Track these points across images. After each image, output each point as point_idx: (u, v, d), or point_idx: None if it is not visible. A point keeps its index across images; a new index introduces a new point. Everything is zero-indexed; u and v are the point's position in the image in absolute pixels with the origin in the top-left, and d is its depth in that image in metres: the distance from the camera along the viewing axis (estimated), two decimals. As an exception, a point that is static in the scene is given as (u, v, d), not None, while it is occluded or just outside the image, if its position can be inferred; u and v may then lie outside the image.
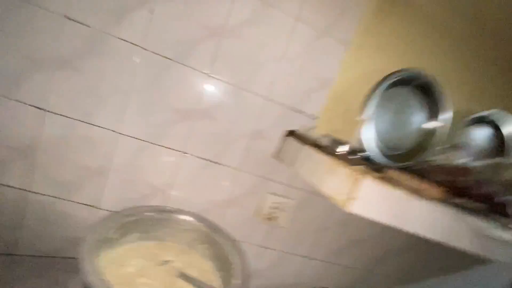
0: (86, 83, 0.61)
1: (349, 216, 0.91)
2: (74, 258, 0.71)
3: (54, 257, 0.66)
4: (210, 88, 0.67)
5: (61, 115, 0.61)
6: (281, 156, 0.73)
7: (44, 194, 0.66)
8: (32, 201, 0.66)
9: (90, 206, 0.69)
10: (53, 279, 0.56)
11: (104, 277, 0.50)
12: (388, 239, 0.94)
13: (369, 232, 0.91)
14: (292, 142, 0.70)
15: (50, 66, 0.58)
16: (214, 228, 0.69)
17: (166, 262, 0.62)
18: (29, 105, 0.60)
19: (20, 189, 0.64)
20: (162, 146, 0.68)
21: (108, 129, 0.64)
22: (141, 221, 0.62)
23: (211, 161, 0.72)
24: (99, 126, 0.64)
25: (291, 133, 0.73)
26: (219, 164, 0.73)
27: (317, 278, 0.90)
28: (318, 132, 0.74)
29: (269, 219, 0.79)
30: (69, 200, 0.67)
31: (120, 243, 0.60)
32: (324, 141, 0.63)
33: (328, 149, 0.57)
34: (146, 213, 0.63)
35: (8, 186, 0.64)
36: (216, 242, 0.67)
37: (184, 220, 0.69)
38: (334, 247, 0.90)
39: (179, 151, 0.70)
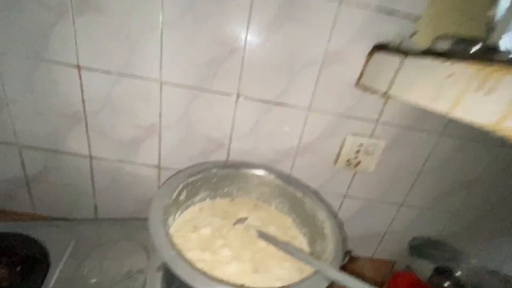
0: (113, 26, 0.49)
1: (455, 154, 0.71)
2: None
3: (136, 218, 0.66)
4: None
5: (97, 70, 0.53)
6: (367, 82, 0.54)
7: (105, 159, 0.63)
8: (97, 166, 0.64)
9: (152, 166, 0.64)
10: (139, 240, 0.55)
11: (179, 243, 0.45)
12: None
13: (484, 171, 0.70)
14: (384, 59, 0.50)
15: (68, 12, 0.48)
16: (287, 179, 0.59)
17: (241, 220, 0.55)
18: (62, 63, 0.52)
19: (81, 155, 0.62)
20: (213, 91, 0.56)
21: (148, 79, 0.54)
22: (207, 178, 0.55)
23: (274, 102, 0.58)
24: (138, 77, 0.54)
25: (381, 48, 0.52)
26: (284, 105, 0.58)
27: (410, 227, 0.76)
28: (422, 39, 0.51)
29: (352, 165, 0.65)
30: (130, 162, 0.63)
31: (188, 204, 0.54)
32: (441, 45, 0.41)
33: (454, 54, 0.36)
34: (211, 170, 0.55)
35: (70, 153, 0.62)
36: (293, 194, 0.57)
37: (253, 174, 0.59)
38: (434, 192, 0.72)
39: (234, 95, 0.57)
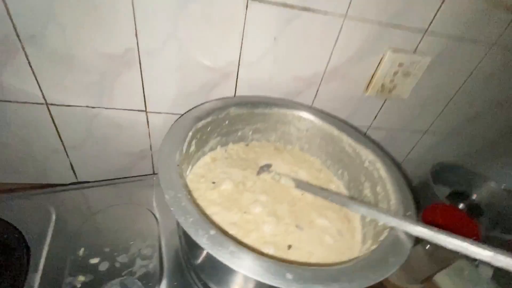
0: None
1: (499, 70, 0.61)
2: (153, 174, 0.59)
3: (133, 177, 0.53)
4: None
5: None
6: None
7: (69, 105, 0.46)
8: (59, 115, 0.47)
9: (136, 110, 0.49)
10: (141, 202, 0.45)
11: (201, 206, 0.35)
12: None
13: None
14: None
15: None
16: (316, 113, 0.47)
17: (265, 167, 0.45)
18: None
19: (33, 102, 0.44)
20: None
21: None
22: (218, 121, 0.42)
23: (299, 7, 0.41)
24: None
25: None
26: (313, 10, 0.42)
27: (429, 153, 0.72)
28: None
29: (386, 91, 0.54)
30: (106, 108, 0.47)
31: (198, 156, 0.42)
32: None
33: None
34: (224, 110, 0.41)
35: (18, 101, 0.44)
36: (324, 132, 0.47)
37: (270, 112, 0.47)
38: (460, 117, 0.66)
39: (244, -4, 0.39)
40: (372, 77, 0.52)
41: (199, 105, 0.40)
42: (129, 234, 0.41)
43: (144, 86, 0.46)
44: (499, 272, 0.61)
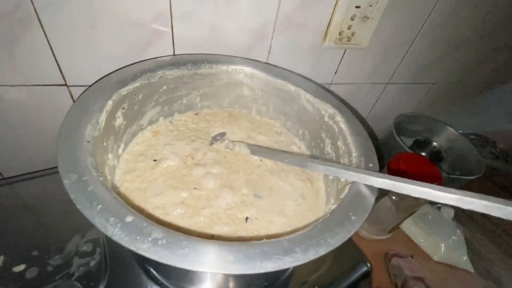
0: None
1: (457, 9, 0.58)
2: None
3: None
4: None
5: None
6: None
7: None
8: None
9: (56, 85, 0.40)
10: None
11: (136, 189, 0.29)
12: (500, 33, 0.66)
13: (477, 28, 0.61)
14: None
15: None
16: (268, 69, 0.42)
17: (218, 136, 0.40)
18: None
19: None
20: None
21: None
22: (152, 87, 0.35)
23: None
24: None
25: None
26: None
27: (392, 105, 0.72)
28: None
29: (344, 39, 0.49)
30: (16, 85, 0.38)
31: (133, 131, 0.35)
32: None
33: None
34: (153, 72, 0.34)
35: None
36: (280, 90, 0.42)
37: (217, 71, 0.40)
38: (420, 63, 0.64)
39: None
40: (328, 24, 0.47)
41: (120, 68, 0.33)
42: (64, 231, 0.35)
43: (54, 53, 0.37)
44: (459, 212, 0.64)
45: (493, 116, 0.90)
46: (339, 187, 0.29)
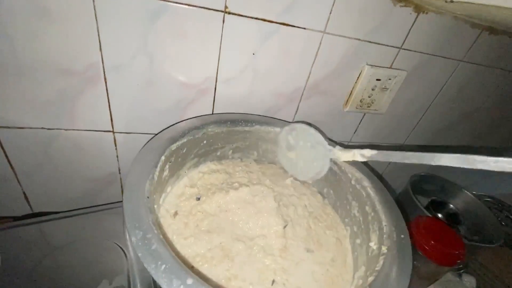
0: None
1: (469, 81, 0.63)
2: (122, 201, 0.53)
3: (99, 206, 0.47)
4: None
5: None
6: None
7: (28, 127, 0.40)
8: (9, 138, 0.41)
9: (103, 131, 0.44)
10: (108, 235, 0.39)
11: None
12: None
13: (488, 98, 0.66)
14: None
15: None
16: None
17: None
18: None
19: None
20: (186, 2, 0.35)
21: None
22: (196, 140, 0.38)
23: (277, 22, 0.40)
24: None
25: None
26: (292, 26, 0.41)
27: (407, 166, 0.74)
28: None
29: (364, 106, 0.54)
30: (72, 129, 0.42)
31: (172, 181, 0.38)
32: None
33: None
34: (202, 129, 0.38)
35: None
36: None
37: (251, 130, 0.44)
38: (435, 127, 0.68)
39: (220, 8, 0.37)
40: (351, 92, 0.52)
41: (173, 125, 0.37)
42: (94, 274, 0.35)
43: (110, 105, 0.41)
44: (481, 281, 0.61)
45: (507, 178, 0.90)
46: (372, 254, 0.30)
